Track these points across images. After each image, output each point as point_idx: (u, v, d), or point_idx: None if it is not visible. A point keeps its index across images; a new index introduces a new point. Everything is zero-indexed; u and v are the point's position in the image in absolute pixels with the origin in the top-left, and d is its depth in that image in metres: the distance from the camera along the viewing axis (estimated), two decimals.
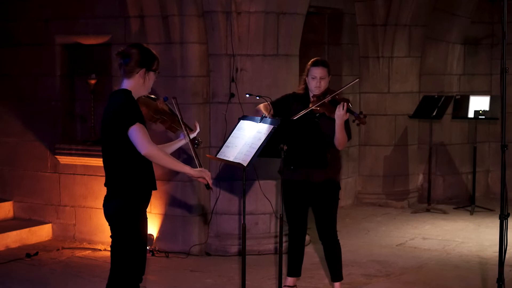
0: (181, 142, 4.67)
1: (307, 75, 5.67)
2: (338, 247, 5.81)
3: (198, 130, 4.73)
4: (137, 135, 4.18)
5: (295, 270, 5.94)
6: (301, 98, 5.68)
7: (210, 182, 4.37)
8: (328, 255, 5.83)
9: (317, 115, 5.53)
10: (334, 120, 5.46)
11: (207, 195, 7.50)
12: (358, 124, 5.52)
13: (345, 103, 5.42)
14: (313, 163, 5.39)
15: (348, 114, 5.43)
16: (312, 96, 5.62)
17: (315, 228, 5.86)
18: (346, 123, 5.54)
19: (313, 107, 5.51)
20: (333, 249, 5.80)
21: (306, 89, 5.71)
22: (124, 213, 4.30)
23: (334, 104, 5.51)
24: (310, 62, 5.69)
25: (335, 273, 5.84)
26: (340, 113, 5.40)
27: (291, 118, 5.45)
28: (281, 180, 5.32)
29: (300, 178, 5.64)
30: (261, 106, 5.68)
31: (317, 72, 5.60)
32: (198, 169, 4.38)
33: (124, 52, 4.35)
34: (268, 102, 5.69)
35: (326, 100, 5.51)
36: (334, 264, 5.82)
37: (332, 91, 5.62)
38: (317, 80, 5.60)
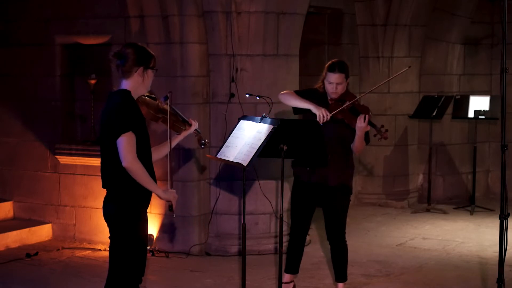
0: (175, 140, 4.63)
1: (324, 77, 5.63)
2: (345, 249, 5.82)
3: (195, 126, 4.70)
4: (123, 146, 4.17)
5: (293, 267, 5.95)
6: (321, 98, 5.64)
7: (174, 205, 4.41)
8: (335, 256, 5.84)
9: (334, 119, 5.50)
10: (351, 127, 5.47)
11: (207, 195, 7.50)
12: (379, 139, 5.52)
13: (367, 115, 5.40)
14: (313, 163, 5.40)
15: (369, 126, 5.42)
16: (329, 99, 5.61)
17: (316, 228, 5.87)
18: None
19: (332, 114, 5.45)
20: (341, 250, 5.81)
21: (324, 90, 5.68)
22: (124, 214, 4.29)
23: (353, 112, 5.48)
24: (327, 65, 5.63)
25: (340, 274, 5.85)
26: (361, 126, 5.40)
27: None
28: (281, 181, 5.31)
29: (316, 181, 5.63)
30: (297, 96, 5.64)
31: (334, 78, 5.56)
32: (168, 191, 4.39)
33: (120, 52, 4.32)
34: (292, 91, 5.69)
35: (345, 107, 5.47)
36: (339, 264, 5.84)
37: (351, 96, 5.60)
38: (333, 86, 5.57)
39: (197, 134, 4.75)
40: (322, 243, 7.68)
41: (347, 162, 5.67)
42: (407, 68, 5.63)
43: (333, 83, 5.55)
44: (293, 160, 5.73)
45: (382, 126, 5.51)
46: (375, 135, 5.51)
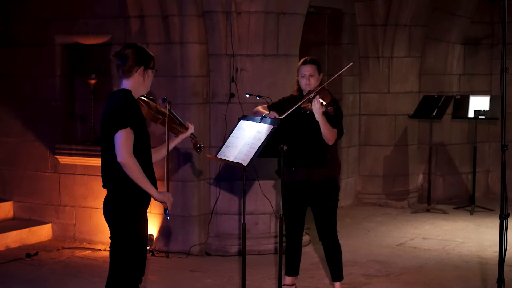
0: (172, 143, 4.65)
1: (298, 75, 5.74)
2: (338, 247, 5.82)
3: (192, 129, 4.71)
4: (120, 141, 4.18)
5: (293, 269, 5.96)
6: (296, 99, 5.69)
7: (169, 208, 4.40)
8: (328, 256, 5.84)
9: (307, 112, 5.55)
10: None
11: (207, 195, 7.50)
12: (329, 112, 5.52)
13: (318, 96, 5.45)
14: (313, 162, 5.40)
15: (323, 107, 5.44)
16: (305, 95, 5.65)
17: (315, 228, 5.86)
18: (337, 118, 5.57)
19: (300, 105, 5.52)
20: (333, 250, 5.81)
21: (300, 90, 5.76)
22: (124, 214, 4.30)
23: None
24: (300, 62, 5.78)
25: (336, 273, 5.86)
26: (315, 107, 5.44)
27: (280, 116, 5.47)
28: (281, 181, 5.32)
29: (300, 178, 5.64)
30: (259, 107, 5.74)
31: (305, 70, 5.67)
32: (163, 193, 4.37)
33: (120, 52, 4.35)
34: (266, 105, 5.78)
35: (310, 96, 5.53)
36: (334, 264, 5.84)
37: (323, 89, 5.64)
38: (306, 78, 5.66)
39: (193, 138, 4.76)
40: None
41: (330, 159, 5.64)
42: (351, 64, 5.78)
43: (306, 74, 5.65)
44: (277, 168, 5.74)
45: (334, 99, 5.57)
46: (326, 111, 5.50)
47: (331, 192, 5.74)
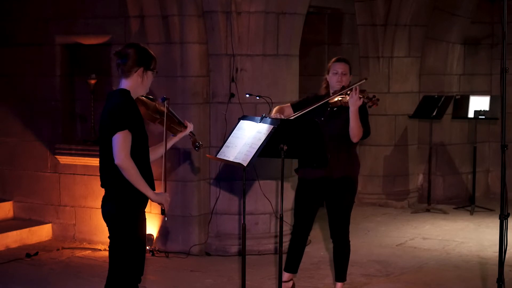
0: (171, 141, 4.64)
1: (328, 73, 5.73)
2: (348, 248, 5.83)
3: (190, 128, 4.71)
4: (118, 143, 4.17)
5: (293, 266, 5.95)
6: (322, 98, 5.70)
7: (166, 208, 4.40)
8: (337, 255, 5.85)
9: (334, 108, 5.58)
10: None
11: (207, 195, 7.50)
12: (370, 106, 5.56)
13: (357, 87, 5.47)
14: (314, 163, 5.40)
15: (361, 100, 5.46)
16: (332, 93, 5.66)
17: (317, 228, 5.87)
18: (364, 116, 5.59)
19: (329, 100, 5.54)
20: (343, 249, 5.82)
21: (327, 88, 5.76)
22: (122, 214, 4.30)
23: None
24: (332, 60, 5.78)
25: (340, 273, 5.86)
26: (353, 98, 5.44)
27: (307, 109, 5.54)
28: (281, 181, 5.31)
29: (322, 175, 5.65)
30: (277, 108, 5.74)
31: (339, 67, 5.67)
32: (160, 194, 4.37)
33: (122, 52, 4.34)
34: (289, 104, 5.78)
35: (344, 91, 5.54)
36: (340, 264, 5.84)
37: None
38: (338, 75, 5.66)
39: (192, 136, 4.76)
40: (323, 243, 7.68)
41: (351, 157, 5.70)
42: (364, 79, 5.79)
43: (339, 72, 5.66)
44: (298, 166, 5.76)
45: (374, 96, 5.58)
46: (366, 104, 5.54)
47: (348, 191, 5.74)
